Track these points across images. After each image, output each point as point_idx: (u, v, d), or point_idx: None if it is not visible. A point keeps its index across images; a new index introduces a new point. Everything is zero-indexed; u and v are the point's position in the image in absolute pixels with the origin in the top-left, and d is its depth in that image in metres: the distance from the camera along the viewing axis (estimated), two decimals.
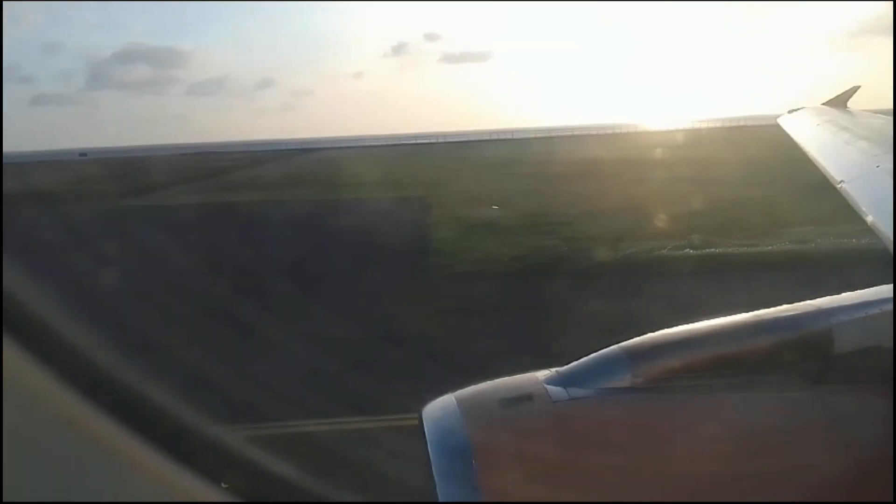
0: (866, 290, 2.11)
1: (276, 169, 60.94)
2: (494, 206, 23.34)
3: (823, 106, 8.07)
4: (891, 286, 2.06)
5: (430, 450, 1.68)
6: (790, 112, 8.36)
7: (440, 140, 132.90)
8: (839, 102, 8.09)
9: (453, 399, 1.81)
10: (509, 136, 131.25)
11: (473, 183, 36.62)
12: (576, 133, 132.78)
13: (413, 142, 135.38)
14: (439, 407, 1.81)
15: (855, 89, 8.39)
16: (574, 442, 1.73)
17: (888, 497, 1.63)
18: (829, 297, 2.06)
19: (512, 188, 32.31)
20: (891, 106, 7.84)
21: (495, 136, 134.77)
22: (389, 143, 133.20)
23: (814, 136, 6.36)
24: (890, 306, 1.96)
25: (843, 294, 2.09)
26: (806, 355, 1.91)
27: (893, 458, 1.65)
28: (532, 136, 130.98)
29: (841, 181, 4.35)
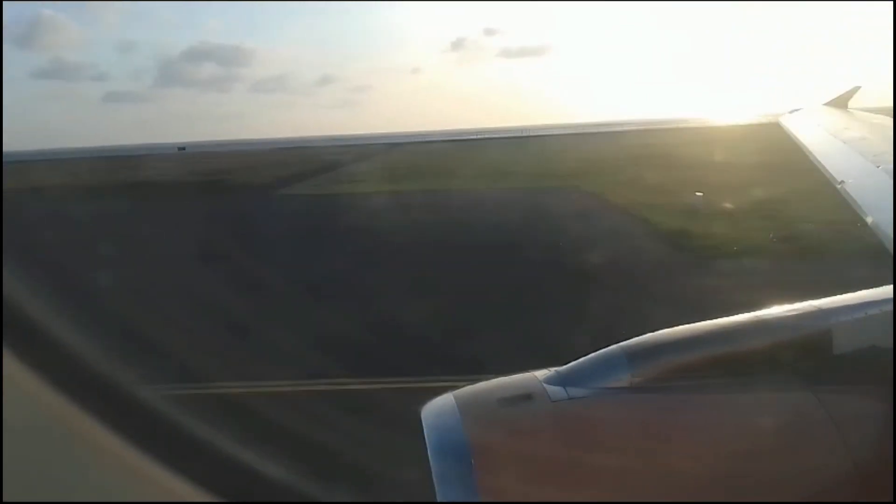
0: (866, 290, 2.14)
1: (395, 161, 62.02)
2: (698, 193, 23.88)
3: (824, 106, 8.26)
4: (891, 287, 2.09)
5: (428, 449, 1.69)
6: (791, 112, 8.53)
7: (524, 134, 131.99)
8: (840, 103, 8.26)
9: (452, 398, 1.81)
10: (585, 130, 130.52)
11: (627, 173, 36.53)
12: (652, 127, 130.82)
13: (496, 136, 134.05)
14: (438, 406, 1.81)
15: (856, 90, 8.57)
16: (573, 442, 1.73)
17: (888, 497, 1.63)
18: (829, 298, 2.09)
19: (675, 178, 32.13)
20: (891, 105, 8.05)
21: (569, 130, 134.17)
22: (466, 137, 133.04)
23: (814, 137, 6.42)
24: (890, 307, 1.98)
25: (844, 295, 2.12)
26: (805, 356, 1.92)
27: (893, 458, 1.66)
28: (609, 129, 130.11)
29: (841, 181, 4.36)
